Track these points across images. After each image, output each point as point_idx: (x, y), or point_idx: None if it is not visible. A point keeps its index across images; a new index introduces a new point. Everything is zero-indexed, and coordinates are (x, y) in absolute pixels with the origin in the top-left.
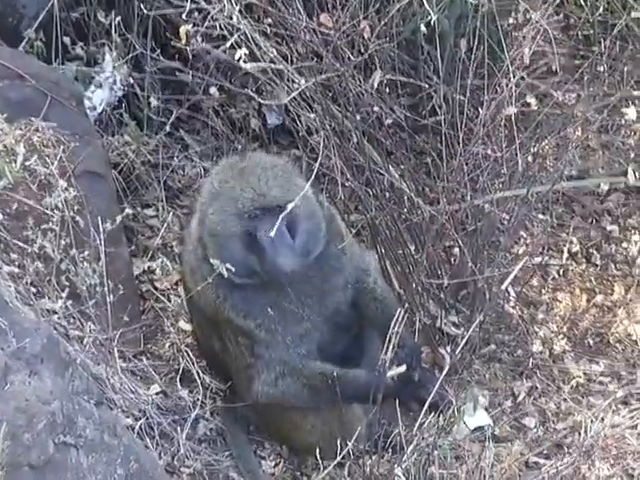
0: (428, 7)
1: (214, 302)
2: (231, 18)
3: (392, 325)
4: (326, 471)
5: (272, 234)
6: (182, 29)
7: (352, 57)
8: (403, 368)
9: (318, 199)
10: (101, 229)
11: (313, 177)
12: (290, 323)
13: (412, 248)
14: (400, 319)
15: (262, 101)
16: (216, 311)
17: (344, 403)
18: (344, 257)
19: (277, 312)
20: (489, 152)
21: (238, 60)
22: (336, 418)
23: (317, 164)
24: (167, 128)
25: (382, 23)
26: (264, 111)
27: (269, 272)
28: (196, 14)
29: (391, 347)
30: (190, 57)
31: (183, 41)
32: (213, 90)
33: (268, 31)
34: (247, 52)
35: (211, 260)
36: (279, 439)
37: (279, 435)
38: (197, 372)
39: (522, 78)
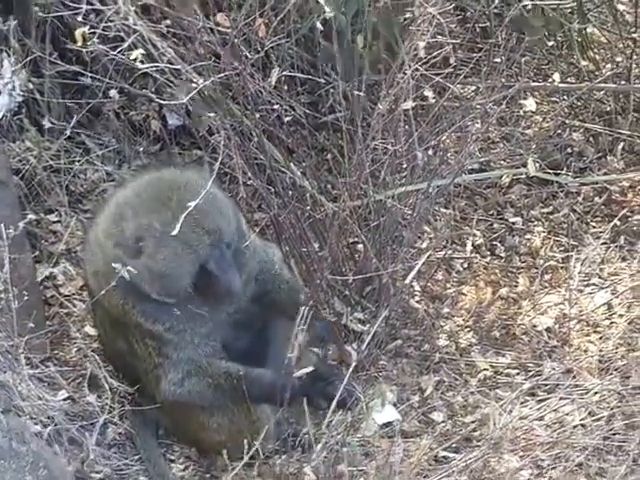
0: (324, 4)
1: (120, 305)
2: (127, 19)
3: (296, 323)
4: (234, 471)
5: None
6: (78, 31)
7: (249, 55)
8: (310, 369)
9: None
10: (4, 236)
11: (215, 176)
12: (196, 324)
13: (316, 245)
14: (305, 316)
15: (161, 101)
16: (123, 314)
17: (252, 403)
18: (247, 253)
19: (184, 314)
20: (389, 147)
21: (134, 60)
22: (244, 417)
23: (218, 163)
24: (68, 132)
25: (277, 19)
26: (165, 112)
27: (224, 298)
28: (93, 16)
29: (296, 346)
30: (89, 60)
31: (79, 43)
32: (113, 93)
33: (165, 32)
34: (143, 52)
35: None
36: (187, 441)
37: (187, 437)
38: (105, 377)
39: (417, 70)
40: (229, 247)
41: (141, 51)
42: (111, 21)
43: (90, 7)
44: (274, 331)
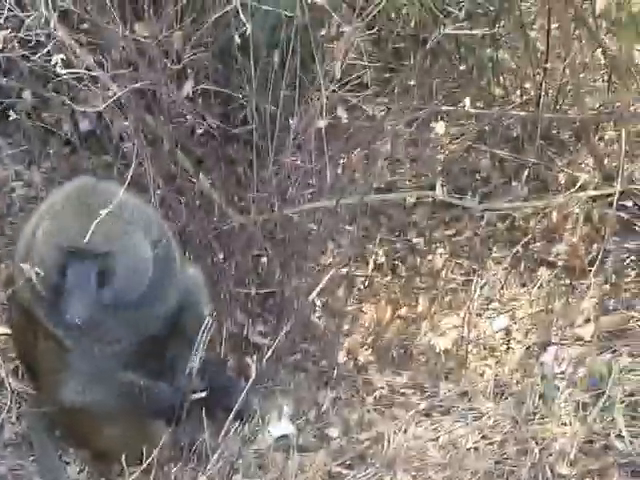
0: (243, 18)
1: (29, 300)
2: (48, 25)
3: (199, 334)
4: (130, 478)
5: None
6: None
7: (169, 65)
8: (203, 394)
9: (157, 236)
10: None
11: (126, 185)
12: (100, 339)
13: (221, 256)
14: (207, 327)
15: (76, 107)
16: (31, 308)
17: (150, 416)
18: (170, 289)
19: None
20: (299, 163)
21: (54, 66)
22: (142, 425)
23: (131, 171)
24: None
25: (194, 30)
26: (77, 116)
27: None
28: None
29: (198, 357)
30: (3, 62)
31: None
32: (26, 94)
33: (84, 40)
34: (64, 58)
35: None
36: (82, 446)
37: (82, 442)
38: (5, 376)
39: (334, 91)
40: (97, 262)
41: (62, 56)
42: (31, 28)
43: (11, 13)
44: (175, 349)
